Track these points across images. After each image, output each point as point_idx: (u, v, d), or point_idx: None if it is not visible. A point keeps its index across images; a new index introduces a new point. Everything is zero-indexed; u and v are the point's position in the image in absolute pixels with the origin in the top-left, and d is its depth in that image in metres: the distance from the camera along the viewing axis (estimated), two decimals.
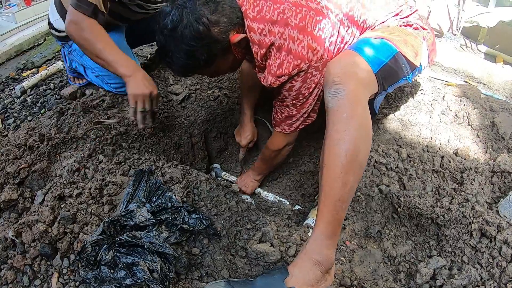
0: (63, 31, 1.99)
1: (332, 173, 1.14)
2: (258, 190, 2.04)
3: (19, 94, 2.40)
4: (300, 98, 1.46)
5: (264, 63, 1.41)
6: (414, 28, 1.48)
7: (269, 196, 1.99)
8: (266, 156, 1.87)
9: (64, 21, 1.93)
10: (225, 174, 2.20)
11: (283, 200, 1.94)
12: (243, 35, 1.36)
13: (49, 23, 2.03)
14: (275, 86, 1.42)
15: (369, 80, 1.30)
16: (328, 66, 1.28)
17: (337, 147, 1.14)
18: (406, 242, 1.44)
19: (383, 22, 1.48)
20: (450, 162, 1.62)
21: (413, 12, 1.54)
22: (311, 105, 1.50)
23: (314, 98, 1.48)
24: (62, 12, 1.96)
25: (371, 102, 1.42)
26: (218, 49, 1.35)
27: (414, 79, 2.03)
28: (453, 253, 1.35)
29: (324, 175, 1.16)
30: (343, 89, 1.18)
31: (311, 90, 1.43)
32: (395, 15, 1.49)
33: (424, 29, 1.51)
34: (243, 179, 2.03)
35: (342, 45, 1.43)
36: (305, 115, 1.55)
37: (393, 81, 1.41)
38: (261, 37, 1.35)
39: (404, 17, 1.50)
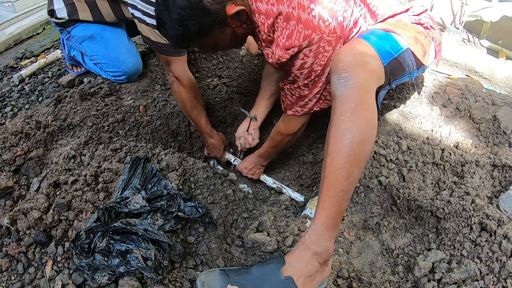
0: (62, 18, 1.97)
1: (337, 163, 1.11)
2: (263, 176, 2.00)
3: (17, 83, 2.39)
4: (313, 77, 1.39)
5: (272, 35, 1.33)
6: (425, 27, 1.46)
7: (269, 180, 1.97)
8: (278, 142, 1.80)
9: (68, 10, 1.93)
10: (229, 156, 2.16)
11: (283, 186, 1.92)
12: (240, 7, 1.28)
13: (50, 11, 2.00)
14: (283, 60, 1.34)
15: (379, 72, 1.26)
16: (338, 52, 1.24)
17: (344, 138, 1.11)
18: (405, 235, 1.43)
19: (396, 15, 1.45)
20: (450, 155, 1.61)
21: (424, 11, 1.52)
22: (324, 84, 1.43)
23: (327, 78, 1.40)
24: (68, 1, 1.95)
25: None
26: (211, 21, 1.27)
27: None
28: (452, 247, 1.34)
29: (328, 165, 1.13)
30: (352, 77, 1.15)
31: (323, 67, 1.36)
32: (406, 10, 1.47)
33: (434, 29, 1.50)
34: (247, 167, 1.98)
35: (355, 28, 1.38)
36: (318, 96, 1.48)
37: (398, 76, 1.39)
38: (268, 6, 1.28)
39: (417, 15, 1.48)
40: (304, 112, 1.57)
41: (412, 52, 1.36)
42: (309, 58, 1.33)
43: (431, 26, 1.48)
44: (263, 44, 1.40)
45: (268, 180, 1.96)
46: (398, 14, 1.45)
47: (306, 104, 1.53)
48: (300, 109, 1.56)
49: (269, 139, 1.85)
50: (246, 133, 2.02)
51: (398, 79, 1.40)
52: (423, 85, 1.97)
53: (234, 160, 2.11)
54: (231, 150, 2.22)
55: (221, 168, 2.16)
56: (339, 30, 1.31)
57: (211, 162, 2.19)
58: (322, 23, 1.26)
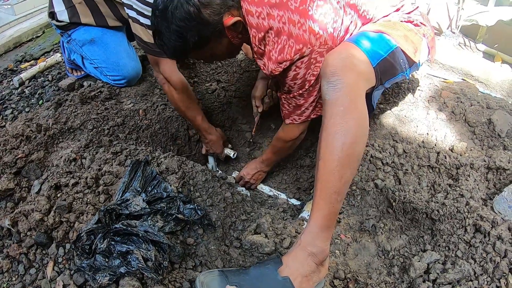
0: (63, 21, 1.99)
1: (328, 166, 1.13)
2: (260, 185, 2.02)
3: (17, 86, 2.41)
4: (307, 87, 1.42)
5: (262, 48, 1.36)
6: (415, 24, 1.47)
7: (265, 189, 1.99)
8: (279, 148, 1.83)
9: (69, 13, 1.95)
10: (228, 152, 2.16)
11: (280, 193, 1.94)
12: (237, 18, 1.30)
13: (51, 13, 2.01)
14: (276, 73, 1.37)
15: (368, 73, 1.28)
16: (326, 57, 1.26)
17: (334, 140, 1.13)
18: (400, 236, 1.44)
19: (386, 16, 1.46)
20: (446, 158, 1.62)
21: (414, 9, 1.53)
22: (319, 93, 1.44)
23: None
24: (69, 4, 1.96)
25: (369, 97, 1.39)
26: (210, 32, 1.30)
27: (412, 75, 2.03)
28: (447, 248, 1.35)
29: (321, 168, 1.15)
30: (341, 81, 1.16)
31: (316, 76, 1.38)
32: (396, 10, 1.48)
33: (425, 26, 1.51)
34: (249, 173, 1.99)
35: (346, 35, 1.39)
36: (314, 104, 1.50)
37: (390, 76, 1.39)
38: (259, 20, 1.30)
39: (407, 13, 1.49)
40: (302, 121, 1.60)
41: (403, 50, 1.37)
42: (301, 69, 1.35)
43: (421, 23, 1.49)
44: (255, 56, 1.42)
45: (265, 189, 1.99)
46: (388, 15, 1.47)
47: (303, 112, 1.55)
48: (298, 117, 1.59)
49: (270, 146, 1.88)
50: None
51: (390, 78, 1.40)
52: (419, 89, 1.99)
53: (234, 154, 2.13)
54: (230, 145, 2.23)
55: (220, 171, 2.18)
56: (330, 41, 1.33)
57: (209, 165, 2.20)
58: (312, 36, 1.29)
